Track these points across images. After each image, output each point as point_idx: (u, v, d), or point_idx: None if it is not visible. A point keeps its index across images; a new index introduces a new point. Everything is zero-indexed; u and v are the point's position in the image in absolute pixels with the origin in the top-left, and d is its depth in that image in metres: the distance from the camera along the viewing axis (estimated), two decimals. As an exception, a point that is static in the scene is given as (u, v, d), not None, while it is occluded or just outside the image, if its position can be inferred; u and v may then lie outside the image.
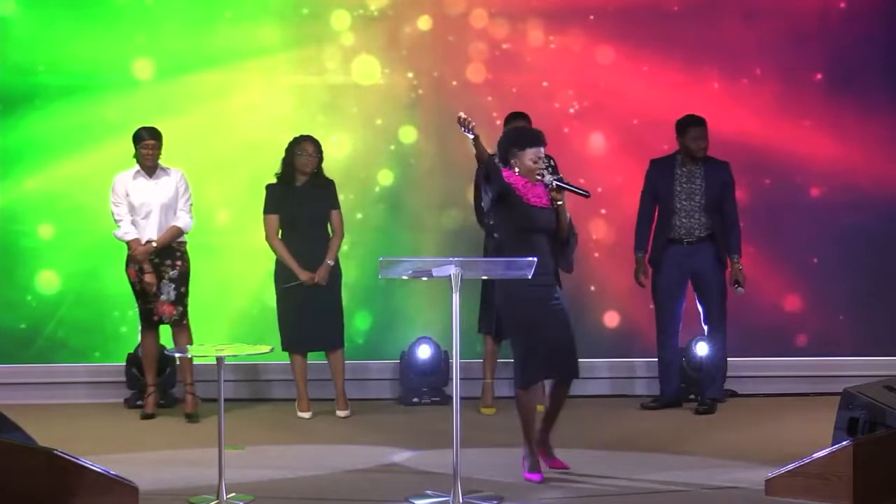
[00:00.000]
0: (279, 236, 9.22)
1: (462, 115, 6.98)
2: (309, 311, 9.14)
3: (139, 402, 9.38)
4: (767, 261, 10.04)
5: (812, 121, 10.10)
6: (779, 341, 10.07)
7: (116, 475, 6.54)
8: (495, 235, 8.06)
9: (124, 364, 9.63)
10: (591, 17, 10.06)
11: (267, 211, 9.20)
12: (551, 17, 10.05)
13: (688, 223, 9.29)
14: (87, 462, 6.43)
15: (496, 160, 7.32)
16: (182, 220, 9.08)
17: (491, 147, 7.39)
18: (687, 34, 10.05)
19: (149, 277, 8.98)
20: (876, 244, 10.07)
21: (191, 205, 9.13)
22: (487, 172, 7.15)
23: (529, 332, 7.25)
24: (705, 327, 9.37)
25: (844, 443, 6.63)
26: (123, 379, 9.62)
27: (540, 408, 7.57)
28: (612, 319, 10.08)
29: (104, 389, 9.70)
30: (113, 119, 9.78)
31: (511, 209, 7.22)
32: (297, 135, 9.21)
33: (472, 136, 7.02)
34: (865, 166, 10.07)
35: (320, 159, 9.20)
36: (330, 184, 9.27)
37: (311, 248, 9.16)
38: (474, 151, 7.13)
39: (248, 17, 9.94)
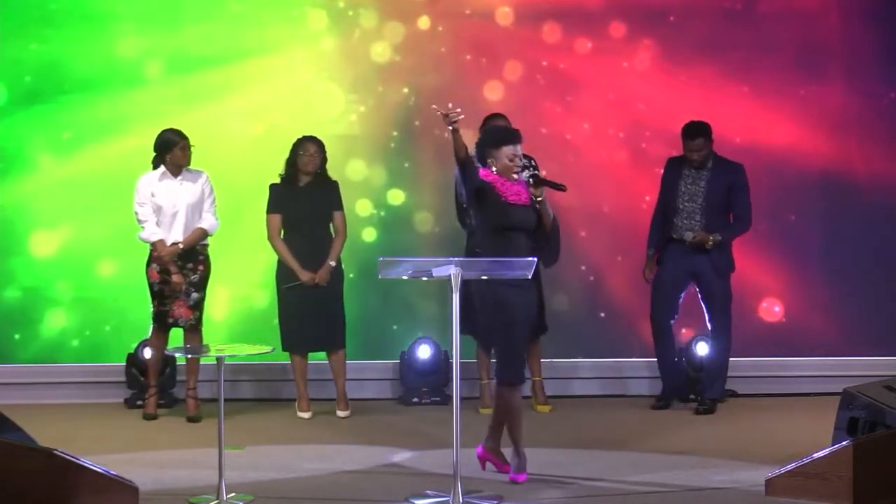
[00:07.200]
0: (282, 236, 9.22)
1: (449, 105, 7.04)
2: (309, 312, 9.12)
3: (139, 402, 9.38)
4: (768, 261, 10.05)
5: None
6: (779, 341, 10.06)
7: (116, 475, 6.54)
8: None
9: (124, 364, 9.63)
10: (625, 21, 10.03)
11: (269, 210, 9.20)
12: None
13: (687, 223, 9.27)
14: (87, 462, 6.43)
15: (475, 160, 7.33)
16: (207, 221, 9.04)
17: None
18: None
19: (176, 277, 8.94)
20: (876, 244, 10.07)
21: (216, 207, 9.12)
22: (463, 169, 7.18)
23: (513, 332, 7.26)
24: (709, 326, 9.36)
25: (844, 443, 6.63)
26: (123, 379, 9.61)
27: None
28: (612, 319, 10.08)
29: (104, 389, 9.69)
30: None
31: (488, 207, 7.23)
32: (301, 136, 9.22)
33: (451, 128, 7.05)
34: (864, 167, 10.07)
35: (323, 160, 9.19)
36: (333, 184, 9.25)
37: (312, 249, 9.15)
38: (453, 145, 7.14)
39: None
